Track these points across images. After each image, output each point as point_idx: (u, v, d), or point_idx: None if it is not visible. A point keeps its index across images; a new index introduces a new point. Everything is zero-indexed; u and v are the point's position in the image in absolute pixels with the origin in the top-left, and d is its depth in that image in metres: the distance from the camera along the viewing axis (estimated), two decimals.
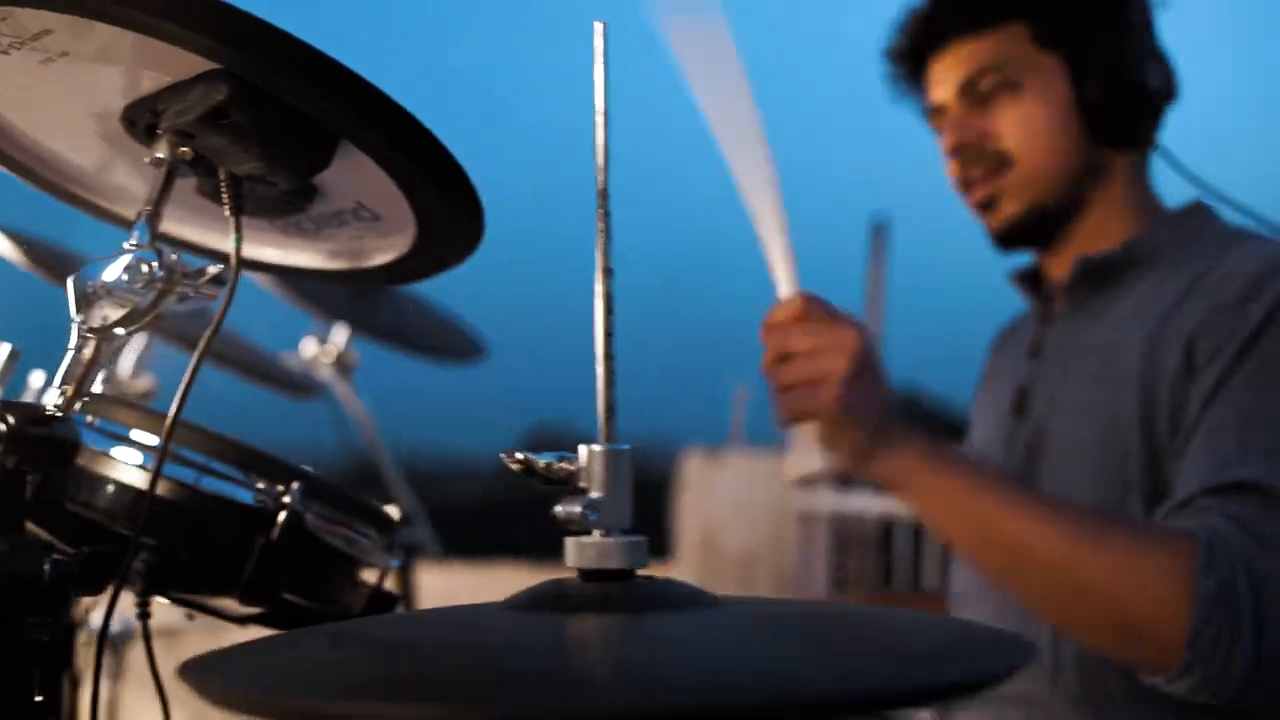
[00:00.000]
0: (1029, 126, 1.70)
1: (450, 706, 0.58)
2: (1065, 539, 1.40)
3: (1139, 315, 1.62)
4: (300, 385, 2.37)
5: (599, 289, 0.79)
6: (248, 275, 1.26)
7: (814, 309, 1.47)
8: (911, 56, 1.82)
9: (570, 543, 0.78)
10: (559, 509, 0.78)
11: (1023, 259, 1.89)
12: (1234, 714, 1.43)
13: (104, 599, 1.03)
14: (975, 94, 1.73)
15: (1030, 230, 1.75)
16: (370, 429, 2.47)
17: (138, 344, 1.99)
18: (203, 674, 0.65)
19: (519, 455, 0.81)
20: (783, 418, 1.48)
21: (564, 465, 0.80)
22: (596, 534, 0.78)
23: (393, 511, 2.27)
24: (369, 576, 1.21)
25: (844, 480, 5.52)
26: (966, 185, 1.77)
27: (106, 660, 1.98)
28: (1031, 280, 1.88)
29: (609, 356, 0.79)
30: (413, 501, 2.45)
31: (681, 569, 6.93)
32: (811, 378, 1.44)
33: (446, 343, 2.40)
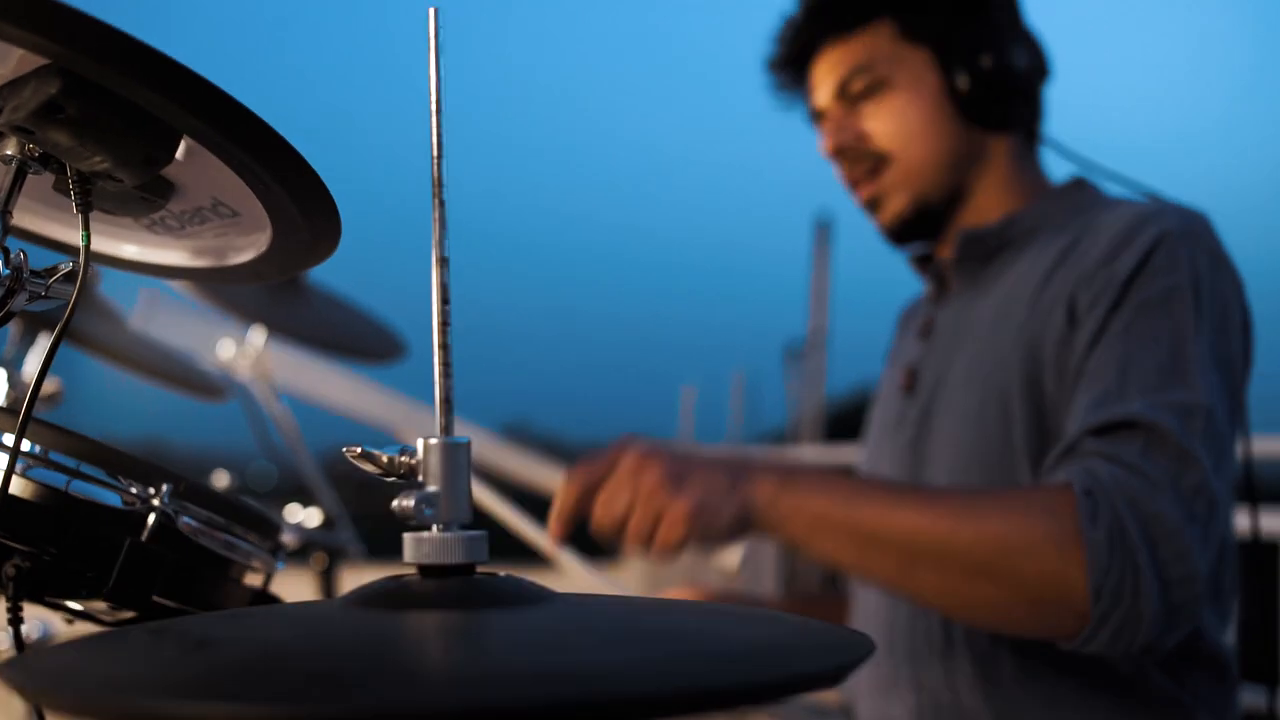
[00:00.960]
0: (901, 123, 1.73)
1: (262, 705, 0.56)
2: (949, 521, 1.39)
3: (1019, 285, 1.65)
4: (214, 389, 2.35)
5: (435, 279, 0.78)
6: (167, 281, 1.24)
7: (586, 472, 1.45)
8: (791, 64, 1.84)
9: (408, 538, 0.76)
10: (396, 504, 0.77)
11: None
12: (1125, 680, 1.43)
13: None
14: (849, 95, 1.77)
15: (918, 223, 1.78)
16: (292, 432, 2.46)
17: (41, 347, 1.96)
18: (15, 674, 0.63)
19: (358, 448, 0.79)
20: (670, 552, 1.44)
21: (404, 459, 0.79)
22: (435, 529, 0.76)
23: (313, 515, 2.26)
24: (250, 580, 1.20)
25: None
26: (851, 186, 1.79)
27: None
28: (925, 262, 1.90)
29: (445, 347, 0.78)
30: (336, 504, 2.43)
31: (630, 569, 6.94)
32: (650, 516, 1.41)
33: (365, 342, 2.38)
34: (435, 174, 0.78)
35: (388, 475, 0.79)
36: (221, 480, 2.15)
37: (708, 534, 1.42)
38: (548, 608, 0.74)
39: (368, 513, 2.55)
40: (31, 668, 0.66)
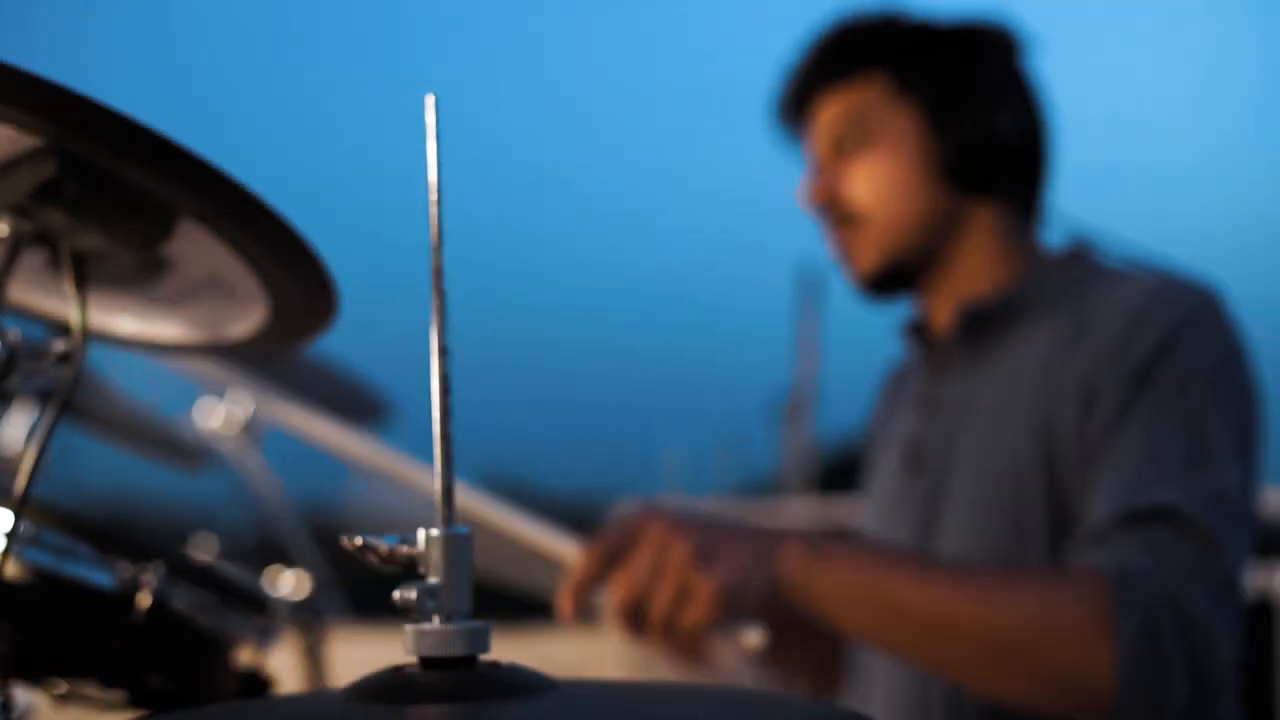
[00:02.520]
0: (878, 182, 1.71)
1: None
2: (979, 601, 1.37)
3: (1026, 364, 1.62)
4: (192, 454, 2.33)
5: (435, 369, 0.77)
6: None
7: (609, 542, 1.39)
8: (790, 108, 1.83)
9: (409, 630, 0.75)
10: (398, 595, 0.76)
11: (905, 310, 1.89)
12: None
13: None
14: (840, 148, 1.74)
15: (890, 282, 1.76)
16: (277, 496, 2.43)
17: (26, 416, 1.94)
18: None
19: (358, 539, 0.78)
20: (694, 634, 1.37)
21: (404, 550, 0.77)
22: (436, 620, 0.75)
23: (295, 582, 2.23)
24: (240, 658, 1.19)
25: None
26: (827, 241, 1.78)
27: None
28: (917, 332, 1.87)
29: (446, 437, 0.77)
30: (322, 569, 2.41)
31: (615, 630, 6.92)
32: (675, 595, 1.34)
33: (348, 403, 2.36)
34: (435, 264, 0.76)
35: (387, 566, 0.77)
36: (205, 545, 2.13)
37: (736, 613, 1.38)
38: (551, 698, 0.73)
39: (343, 566, 2.52)
40: None
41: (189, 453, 2.33)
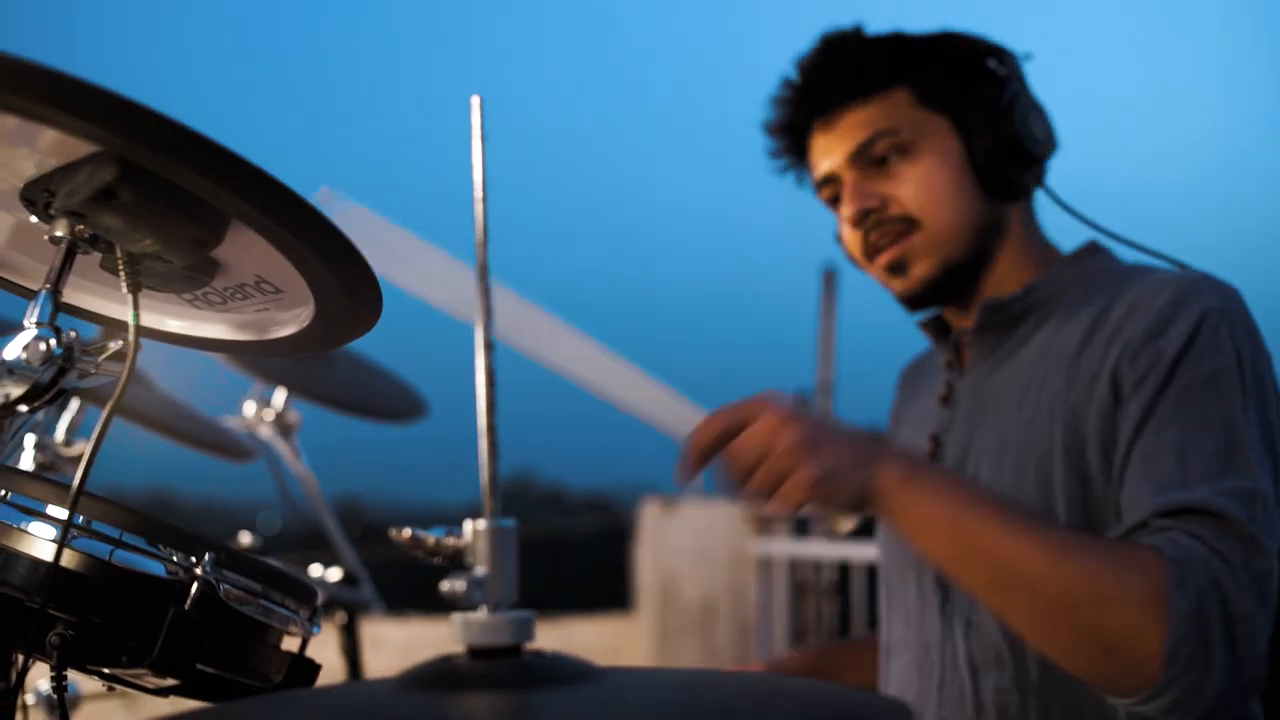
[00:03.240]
0: (930, 187, 1.72)
1: None
2: (1046, 556, 1.39)
3: (1048, 355, 1.65)
4: (240, 450, 2.38)
5: (482, 363, 0.80)
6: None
7: (727, 417, 1.45)
8: (795, 129, 1.84)
9: (457, 619, 0.78)
10: (446, 586, 0.78)
11: None
12: None
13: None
14: (870, 159, 1.75)
15: (942, 289, 1.77)
16: (314, 490, 2.48)
17: (71, 410, 1.99)
18: None
19: (407, 531, 0.81)
20: (789, 511, 1.46)
21: (452, 541, 0.80)
22: (483, 610, 0.78)
23: (334, 574, 2.27)
24: (288, 645, 1.22)
25: (801, 527, 5.56)
26: (871, 252, 1.78)
27: None
28: (936, 326, 1.89)
29: (492, 430, 0.79)
30: (356, 561, 2.45)
31: (642, 619, 6.92)
32: (777, 474, 1.42)
33: (386, 403, 2.41)
34: (480, 260, 0.79)
35: (435, 557, 0.80)
36: (245, 540, 2.17)
37: (826, 503, 1.43)
38: (597, 686, 0.75)
39: (373, 560, 2.55)
40: None
41: (237, 448, 2.38)
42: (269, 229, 0.91)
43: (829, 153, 1.80)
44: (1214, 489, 1.43)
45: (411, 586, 2.71)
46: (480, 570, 0.78)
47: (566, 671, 0.76)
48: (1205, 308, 1.53)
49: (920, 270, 1.75)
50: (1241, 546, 1.40)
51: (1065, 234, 1.83)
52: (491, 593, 0.78)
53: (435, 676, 0.76)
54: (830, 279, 6.53)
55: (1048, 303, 1.72)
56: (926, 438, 1.82)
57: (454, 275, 1.37)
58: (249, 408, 2.40)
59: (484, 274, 0.80)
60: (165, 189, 0.90)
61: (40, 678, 2.01)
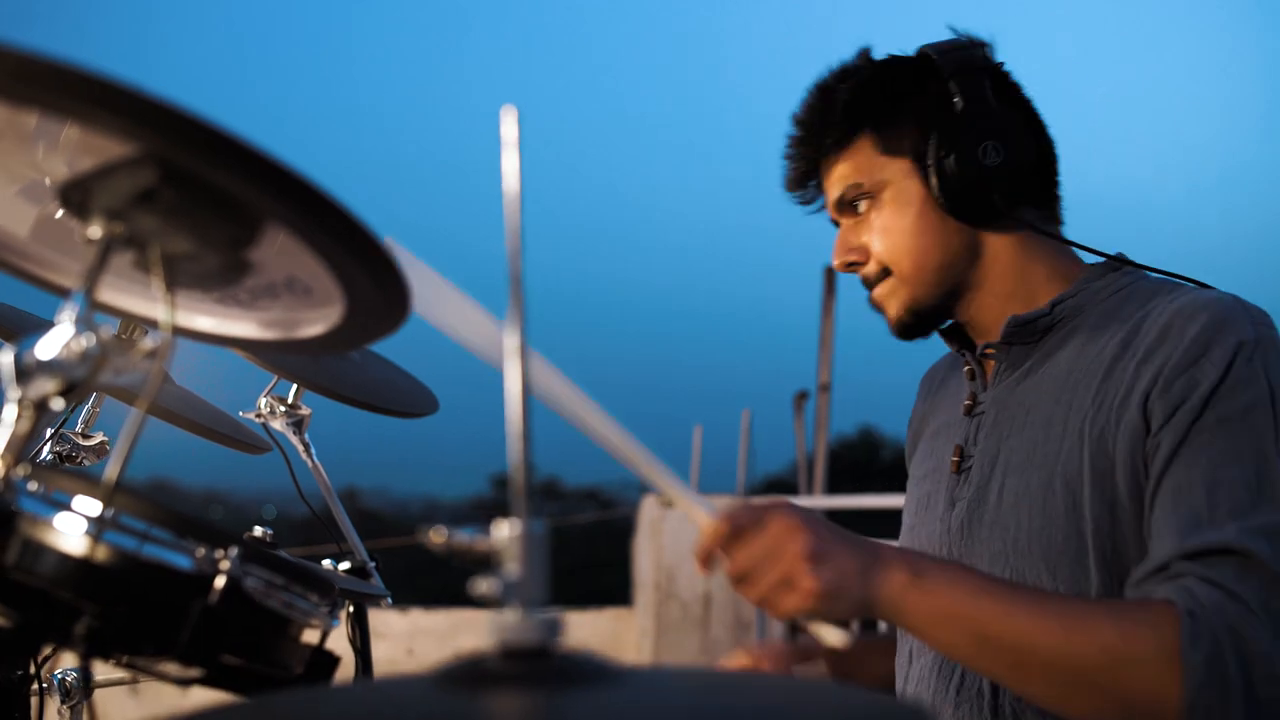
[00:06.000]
0: (892, 233, 1.79)
1: None
2: (1058, 631, 1.42)
3: (1076, 372, 1.67)
4: (258, 445, 2.40)
5: (516, 373, 0.81)
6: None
7: (736, 518, 1.47)
8: (800, 183, 1.90)
9: (490, 619, 0.79)
10: (478, 585, 0.80)
11: None
12: None
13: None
14: (849, 210, 1.83)
15: (918, 325, 1.84)
16: (325, 484, 2.50)
17: (88, 402, 2.01)
18: None
19: (442, 531, 0.83)
20: (784, 619, 1.49)
21: (484, 541, 0.82)
22: (514, 611, 0.79)
23: (344, 566, 2.29)
24: (309, 637, 1.23)
25: None
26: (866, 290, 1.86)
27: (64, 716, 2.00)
28: (960, 336, 1.91)
29: (526, 435, 0.81)
30: (365, 554, 2.47)
31: (639, 612, 6.95)
32: (779, 581, 1.44)
33: (399, 399, 2.42)
34: (514, 270, 0.80)
35: (468, 557, 0.82)
36: (257, 533, 2.18)
37: (826, 613, 1.46)
38: (625, 686, 0.77)
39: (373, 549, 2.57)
40: None
41: (255, 442, 2.40)
42: (306, 230, 0.93)
43: (826, 199, 1.88)
44: (1241, 526, 1.45)
45: (409, 578, 2.73)
46: (512, 570, 0.80)
47: (595, 672, 0.78)
48: (1240, 339, 1.55)
49: (892, 312, 1.83)
50: (1261, 585, 1.42)
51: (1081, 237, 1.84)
52: (523, 593, 0.79)
53: (468, 675, 0.78)
54: (831, 276, 6.56)
55: (1074, 317, 1.74)
56: (952, 447, 1.84)
57: (485, 323, 1.39)
58: (262, 402, 2.42)
59: (517, 281, 0.81)
60: (204, 190, 0.91)
61: (53, 666, 2.04)
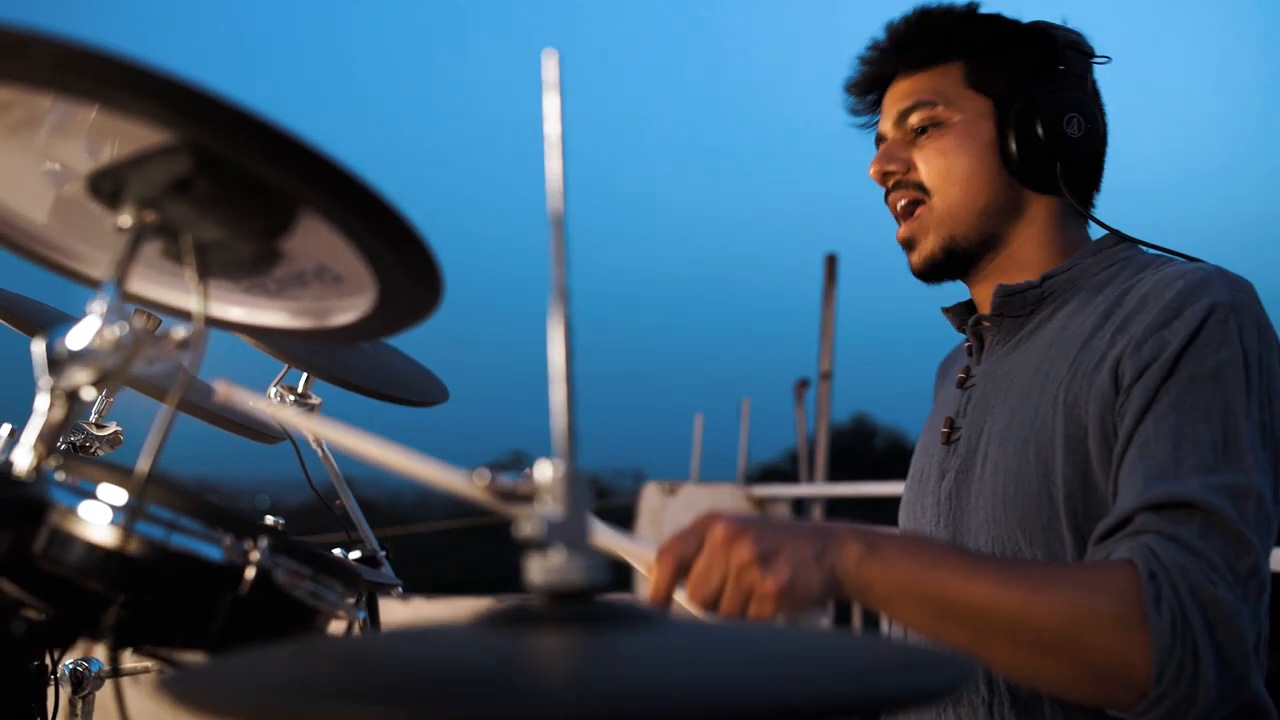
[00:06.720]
0: (946, 163, 1.79)
1: (411, 711, 0.60)
2: (1019, 597, 1.41)
3: (1059, 342, 1.68)
4: (270, 434, 2.39)
5: (558, 312, 0.80)
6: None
7: (675, 549, 1.44)
8: (865, 89, 1.91)
9: (533, 560, 0.79)
10: (521, 526, 0.80)
11: (955, 292, 1.95)
12: None
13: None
14: (906, 127, 1.83)
15: (947, 265, 1.83)
16: (335, 473, 2.49)
17: (102, 392, 2.00)
18: (178, 687, 0.66)
19: (483, 474, 0.82)
20: (766, 618, 1.44)
21: (527, 484, 0.82)
22: (558, 551, 0.79)
23: (363, 554, 2.29)
24: (335, 628, 1.23)
25: (799, 507, 5.57)
26: (895, 216, 1.86)
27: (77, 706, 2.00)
28: (961, 311, 1.93)
29: (569, 378, 0.80)
30: (375, 543, 2.47)
31: (639, 598, 6.95)
32: (741, 596, 1.41)
33: (409, 389, 2.41)
34: (556, 212, 0.80)
35: (511, 498, 0.81)
36: (269, 521, 2.18)
37: (798, 607, 1.43)
38: (670, 630, 0.77)
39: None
40: (197, 681, 0.68)
41: (266, 432, 2.39)
42: (343, 218, 0.92)
43: (885, 114, 1.88)
44: (1205, 483, 1.45)
45: (404, 567, 2.72)
46: (554, 512, 0.79)
47: (643, 616, 0.78)
48: (1214, 301, 1.55)
49: (926, 247, 1.82)
50: (1226, 544, 1.42)
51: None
52: (565, 535, 0.79)
53: (514, 617, 0.78)
54: (831, 263, 6.56)
55: (1065, 290, 1.76)
56: (945, 420, 1.85)
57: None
58: (272, 391, 2.41)
59: (559, 224, 0.80)
60: (239, 179, 0.91)
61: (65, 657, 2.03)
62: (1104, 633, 1.39)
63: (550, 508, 0.80)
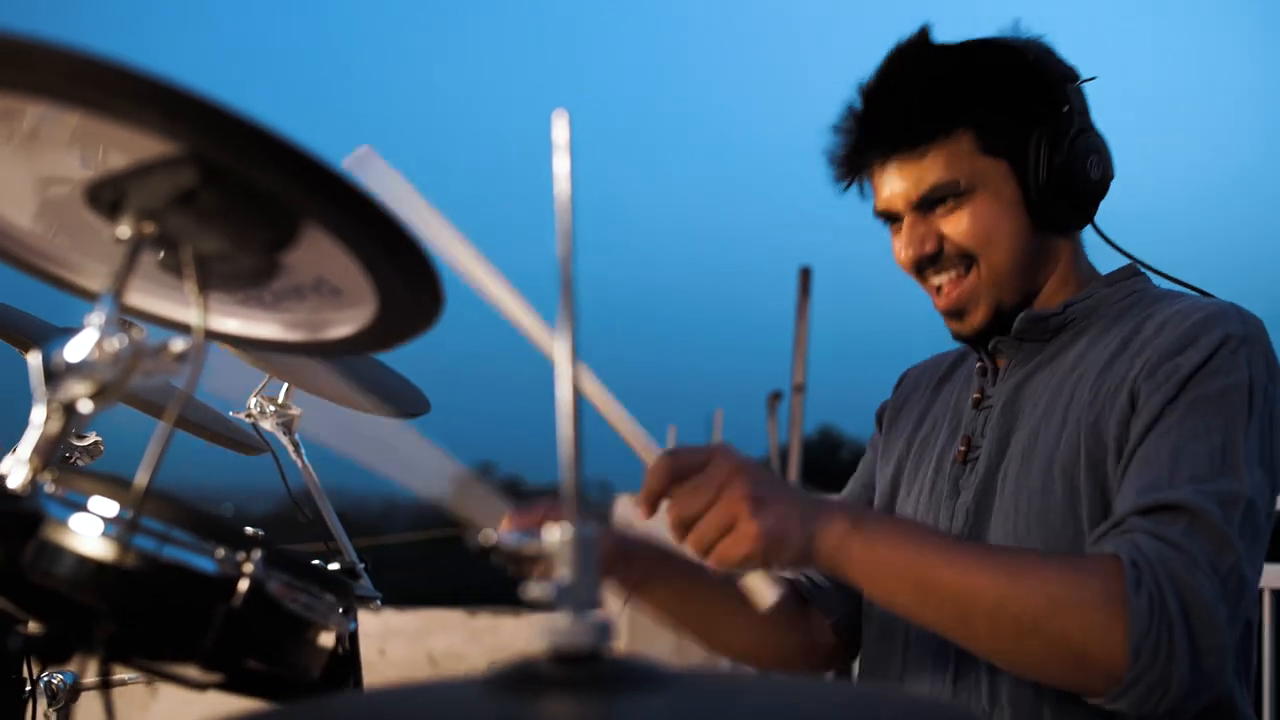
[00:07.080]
0: (983, 228, 1.76)
1: None
2: (1000, 578, 1.44)
3: (1081, 367, 1.72)
4: (252, 445, 2.39)
5: (566, 384, 0.80)
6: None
7: (678, 460, 1.45)
8: (855, 164, 1.85)
9: (541, 623, 0.78)
10: (530, 590, 0.80)
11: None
12: None
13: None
14: (934, 204, 1.77)
15: (992, 329, 1.83)
16: (314, 484, 2.49)
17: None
18: None
19: (494, 536, 0.82)
20: (721, 568, 1.45)
21: (536, 547, 0.82)
22: (565, 615, 0.78)
23: (341, 566, 2.28)
24: (326, 640, 1.23)
25: None
26: (936, 290, 1.83)
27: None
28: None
29: (577, 441, 0.81)
30: (354, 554, 2.47)
31: (611, 612, 6.95)
32: (721, 526, 1.42)
33: (391, 399, 2.41)
34: (566, 274, 0.79)
35: (519, 562, 0.82)
36: (248, 531, 2.17)
37: (769, 560, 1.45)
38: (679, 690, 0.76)
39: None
40: None
41: (250, 442, 2.39)
42: (347, 232, 0.92)
43: (890, 188, 1.80)
44: (1197, 488, 1.48)
45: (381, 577, 2.72)
46: (564, 575, 0.79)
47: (651, 676, 0.77)
48: (1227, 332, 1.60)
49: (976, 317, 1.80)
50: (1210, 543, 1.45)
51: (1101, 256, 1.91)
52: (574, 598, 0.79)
53: (519, 679, 0.77)
54: (806, 276, 6.59)
55: (1084, 318, 1.79)
56: (958, 438, 1.86)
57: (455, 240, 1.39)
58: (252, 401, 2.41)
59: (568, 286, 0.80)
60: (244, 192, 0.91)
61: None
62: (1085, 614, 1.42)
63: (559, 570, 0.80)
